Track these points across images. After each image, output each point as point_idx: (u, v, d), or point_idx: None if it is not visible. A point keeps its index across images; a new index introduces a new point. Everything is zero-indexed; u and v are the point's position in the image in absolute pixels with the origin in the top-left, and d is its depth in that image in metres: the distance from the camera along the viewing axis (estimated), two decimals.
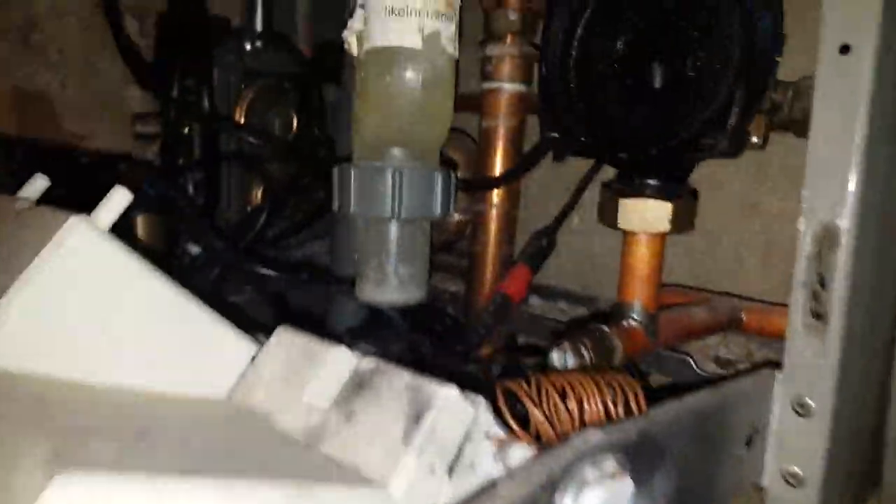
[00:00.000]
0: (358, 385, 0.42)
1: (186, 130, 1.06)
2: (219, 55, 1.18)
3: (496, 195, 1.17)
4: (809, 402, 0.75)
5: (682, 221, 0.82)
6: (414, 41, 0.73)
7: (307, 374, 0.44)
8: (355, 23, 0.76)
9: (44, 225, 0.44)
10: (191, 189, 1.06)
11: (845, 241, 0.76)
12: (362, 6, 0.75)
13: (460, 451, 0.38)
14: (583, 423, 0.54)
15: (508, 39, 1.14)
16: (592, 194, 0.97)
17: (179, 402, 0.45)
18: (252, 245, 1.09)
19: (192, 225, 0.96)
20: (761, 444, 0.76)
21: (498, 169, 1.17)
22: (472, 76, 1.25)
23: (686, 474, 0.59)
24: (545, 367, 0.76)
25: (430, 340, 0.91)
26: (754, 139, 0.79)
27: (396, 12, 0.72)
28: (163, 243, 0.98)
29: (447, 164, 0.84)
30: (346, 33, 0.76)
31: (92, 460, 0.29)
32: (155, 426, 0.40)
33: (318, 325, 1.06)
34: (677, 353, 1.03)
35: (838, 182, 0.75)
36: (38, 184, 0.59)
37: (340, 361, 0.44)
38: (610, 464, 0.44)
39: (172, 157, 1.06)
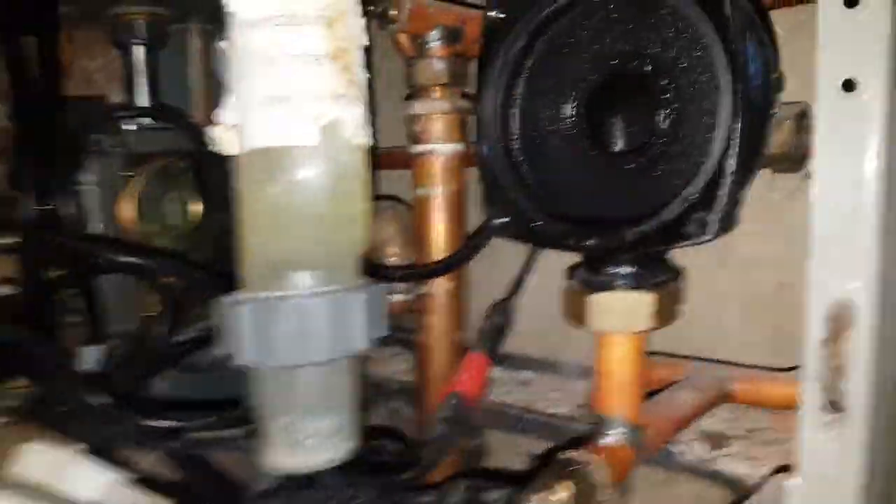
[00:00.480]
0: None
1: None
2: (94, 142, 0.99)
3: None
4: None
5: (668, 312, 0.67)
6: (307, 136, 0.56)
7: None
8: (226, 115, 0.58)
9: None
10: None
11: (864, 321, 0.62)
12: (233, 93, 0.58)
13: None
14: None
15: (436, 93, 0.98)
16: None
17: None
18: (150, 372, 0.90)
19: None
20: None
21: (439, 243, 1.00)
22: (401, 129, 1.09)
23: None
24: None
25: (365, 486, 0.72)
26: None
27: (280, 101, 0.55)
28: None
29: (372, 271, 0.67)
30: (215, 131, 0.58)
31: None
32: None
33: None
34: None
35: (853, 247, 0.61)
36: None
37: None
38: None
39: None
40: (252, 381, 0.63)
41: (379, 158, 1.31)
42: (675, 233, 0.59)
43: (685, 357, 1.01)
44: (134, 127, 1.05)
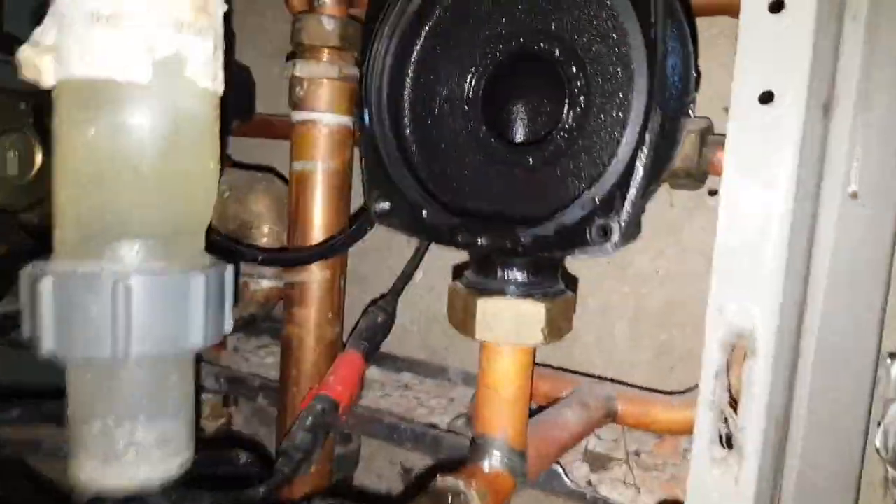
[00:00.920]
0: None
1: None
2: None
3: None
4: None
5: (559, 326, 0.60)
6: (137, 70, 0.44)
7: None
8: (43, 36, 0.45)
9: None
10: None
11: (764, 351, 0.58)
12: (54, 13, 0.45)
13: None
14: None
15: (325, 56, 0.86)
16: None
17: None
18: None
19: None
20: None
21: (317, 225, 0.89)
22: (280, 93, 0.96)
23: None
24: None
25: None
26: None
27: (106, 20, 0.43)
28: None
29: (227, 249, 0.56)
30: (24, 52, 0.45)
31: None
32: None
33: None
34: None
35: (758, 271, 0.57)
36: None
37: None
38: None
39: None
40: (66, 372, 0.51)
41: (255, 125, 1.19)
42: (575, 239, 0.52)
43: (568, 371, 0.96)
44: None
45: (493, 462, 0.61)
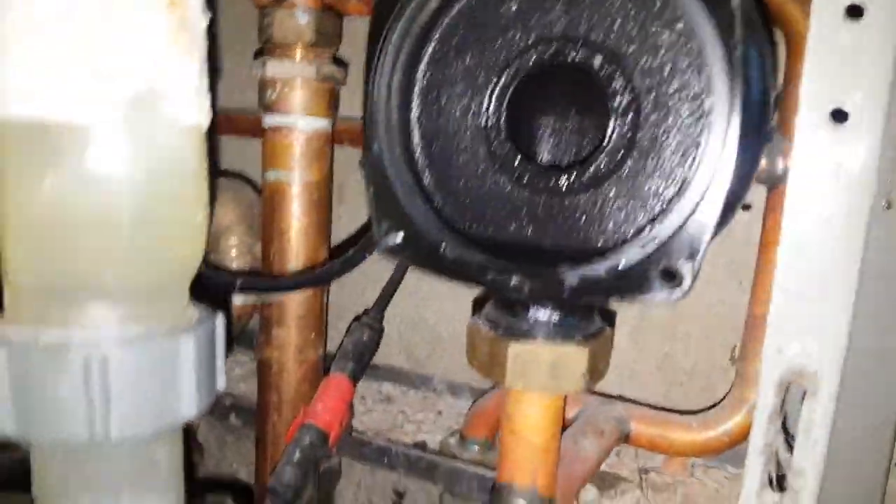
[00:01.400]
0: None
1: None
2: None
3: None
4: None
5: (600, 369, 0.54)
6: (102, 111, 0.34)
7: None
8: None
9: None
10: None
11: (826, 391, 0.53)
12: None
13: None
14: None
15: (299, 53, 0.76)
16: None
17: None
18: None
19: None
20: None
21: (294, 244, 0.79)
22: (248, 86, 0.86)
23: None
24: None
25: None
26: None
27: (60, 46, 0.33)
28: None
29: (206, 277, 0.47)
30: None
31: None
32: None
33: None
34: None
35: (822, 304, 0.52)
36: None
37: None
38: None
39: None
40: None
41: (219, 122, 1.07)
42: (633, 284, 0.45)
43: None
44: None
45: None
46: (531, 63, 0.52)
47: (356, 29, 0.84)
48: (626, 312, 0.89)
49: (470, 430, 0.83)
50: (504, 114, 0.53)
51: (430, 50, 0.54)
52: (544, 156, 0.57)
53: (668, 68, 0.48)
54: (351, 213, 1.05)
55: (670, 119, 0.48)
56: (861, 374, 0.56)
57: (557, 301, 0.50)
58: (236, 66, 1.01)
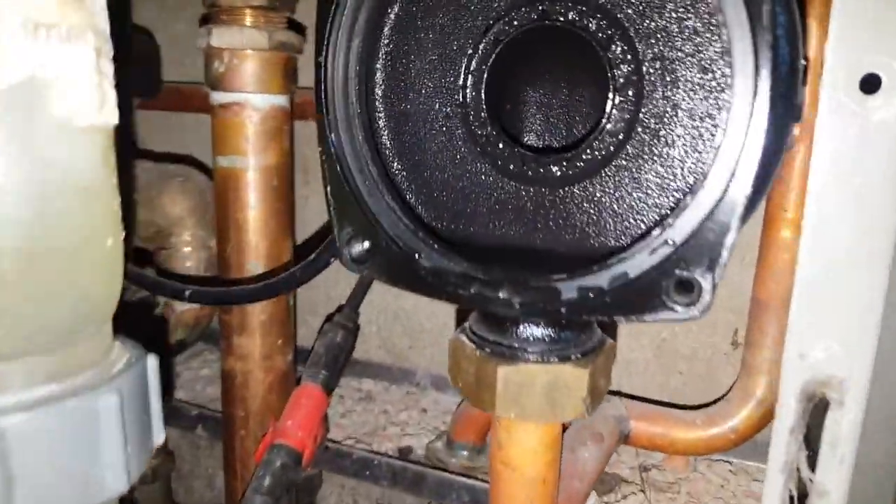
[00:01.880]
0: None
1: None
2: None
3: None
4: None
5: (601, 389, 0.46)
6: None
7: None
8: None
9: None
10: None
11: (853, 400, 0.47)
12: None
13: None
14: None
15: (249, 19, 0.66)
16: None
17: None
18: None
19: None
20: None
21: (252, 237, 0.71)
22: (191, 55, 0.76)
23: None
24: None
25: None
26: None
27: None
28: None
29: (135, 279, 0.38)
30: None
31: None
32: None
33: None
34: None
35: (848, 305, 0.45)
36: None
37: None
38: None
39: None
40: None
41: (167, 97, 0.97)
42: (643, 298, 0.38)
43: None
44: None
45: None
46: (514, 27, 0.44)
47: None
48: None
49: (458, 434, 0.76)
50: (484, 88, 0.45)
51: (395, 12, 0.45)
52: (532, 138, 0.49)
53: (677, 29, 0.39)
54: (319, 195, 0.96)
55: (681, 93, 0.40)
56: (891, 381, 0.49)
57: (553, 318, 0.42)
58: (187, 33, 0.91)
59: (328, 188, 0.44)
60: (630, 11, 0.41)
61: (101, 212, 0.32)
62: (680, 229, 0.37)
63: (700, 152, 0.39)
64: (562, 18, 0.43)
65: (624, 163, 0.42)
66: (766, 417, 0.67)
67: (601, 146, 0.42)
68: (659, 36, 0.40)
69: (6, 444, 0.32)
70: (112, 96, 0.31)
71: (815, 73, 0.46)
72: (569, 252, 0.42)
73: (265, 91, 0.68)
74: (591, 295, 0.39)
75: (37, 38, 0.27)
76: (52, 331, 0.32)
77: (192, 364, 1.04)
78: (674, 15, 0.40)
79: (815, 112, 0.44)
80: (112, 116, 0.31)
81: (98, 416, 0.34)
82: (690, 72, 0.39)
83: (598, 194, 0.43)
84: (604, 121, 0.42)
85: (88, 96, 0.29)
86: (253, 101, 0.68)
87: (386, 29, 0.45)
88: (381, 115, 0.45)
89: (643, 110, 0.41)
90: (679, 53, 0.40)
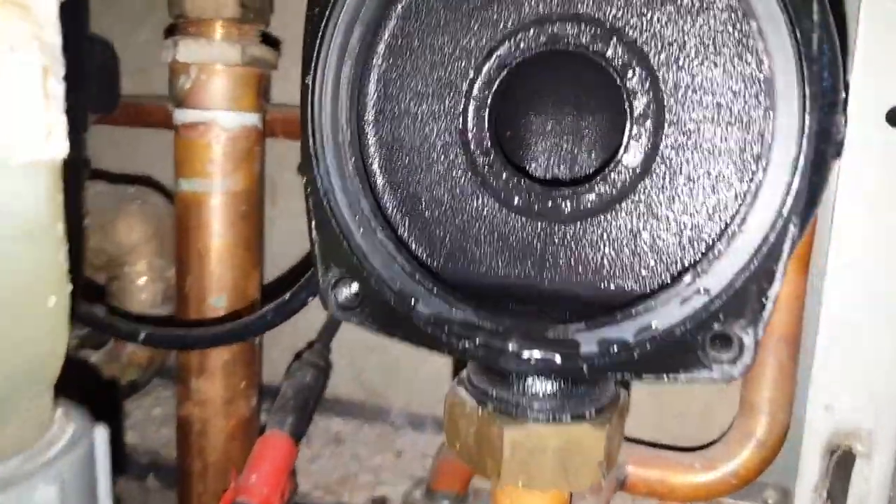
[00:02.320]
0: None
1: None
2: None
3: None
4: None
5: (616, 450, 0.42)
6: None
7: None
8: None
9: None
10: None
11: (883, 454, 0.43)
12: None
13: None
14: None
15: (219, 32, 0.61)
16: None
17: None
18: None
19: None
20: None
21: (216, 269, 0.65)
22: (152, 67, 0.70)
23: None
24: None
25: None
26: None
27: None
28: None
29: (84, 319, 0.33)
30: None
31: None
32: None
33: None
34: None
35: (874, 353, 0.42)
36: None
37: None
38: None
39: None
40: None
41: (126, 112, 0.90)
42: (676, 356, 0.33)
43: None
44: None
45: None
46: (520, 51, 0.39)
47: None
48: None
49: (439, 482, 0.70)
50: (487, 114, 0.40)
51: (390, 31, 0.41)
52: (536, 167, 0.45)
53: (704, 54, 0.36)
54: (288, 216, 0.90)
55: (708, 125, 0.36)
56: None
57: (571, 376, 0.38)
58: (150, 42, 0.84)
59: (312, 224, 0.39)
60: (650, 34, 0.37)
61: (44, 262, 0.26)
62: (715, 277, 0.33)
63: (735, 191, 0.35)
64: (574, 42, 0.39)
65: (643, 198, 0.38)
66: (768, 459, 0.63)
67: (617, 179, 0.38)
68: (683, 61, 0.37)
69: None
70: (61, 124, 0.26)
71: None
72: (583, 295, 0.38)
73: (236, 109, 0.63)
74: (615, 349, 0.35)
75: None
76: None
77: (143, 402, 0.96)
78: (701, 38, 0.36)
79: None
80: (60, 148, 0.26)
81: None
82: (720, 102, 0.36)
83: (613, 231, 0.38)
84: (620, 151, 0.38)
85: (32, 126, 0.23)
86: (222, 119, 0.62)
87: (380, 49, 0.41)
88: (373, 142, 0.40)
89: (664, 143, 0.37)
90: (706, 81, 0.36)
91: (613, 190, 0.39)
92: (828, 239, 0.45)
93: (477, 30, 0.40)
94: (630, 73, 0.38)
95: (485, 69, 0.40)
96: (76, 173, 0.72)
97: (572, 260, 0.39)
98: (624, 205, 0.39)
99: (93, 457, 0.31)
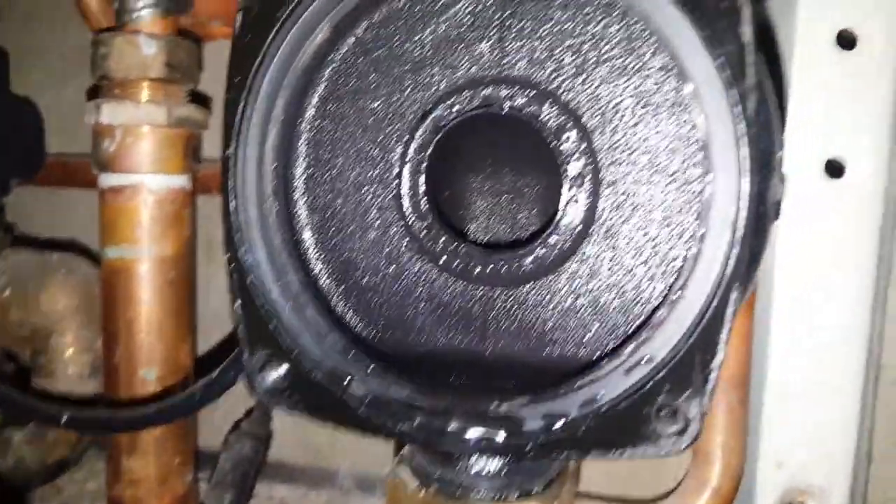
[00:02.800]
0: None
1: None
2: None
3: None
4: None
5: None
6: None
7: None
8: None
9: None
10: None
11: None
12: None
13: None
14: None
15: (145, 92, 0.59)
16: None
17: None
18: None
19: None
20: None
21: (141, 338, 0.61)
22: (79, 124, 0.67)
23: None
24: None
25: None
26: None
27: None
28: None
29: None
30: None
31: None
32: None
33: None
34: None
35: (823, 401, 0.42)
36: None
37: None
38: None
39: None
40: None
41: (51, 171, 0.86)
42: (623, 430, 0.32)
43: None
44: None
45: None
46: (454, 113, 0.39)
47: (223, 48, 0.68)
48: None
49: None
50: (423, 177, 0.39)
51: (318, 95, 0.39)
52: (475, 228, 0.44)
53: (640, 116, 0.35)
54: (225, 274, 0.87)
55: (645, 187, 0.35)
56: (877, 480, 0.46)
57: (515, 455, 0.36)
58: (76, 99, 0.81)
59: (236, 303, 0.36)
60: (584, 96, 0.37)
61: None
62: (659, 344, 0.32)
63: (675, 253, 0.34)
64: (507, 104, 0.38)
65: (583, 260, 0.37)
66: None
67: (556, 242, 0.37)
68: (617, 123, 0.36)
69: None
70: None
71: None
72: (528, 363, 0.36)
73: (163, 171, 0.60)
74: (559, 425, 0.33)
75: None
76: None
77: (75, 475, 0.89)
78: (636, 99, 0.36)
79: None
80: None
81: None
82: (656, 163, 0.35)
83: (555, 295, 0.37)
84: (558, 215, 0.37)
85: None
86: (149, 183, 0.59)
87: (309, 113, 0.39)
88: (304, 210, 0.39)
89: (602, 204, 0.37)
90: (642, 142, 0.36)
91: (553, 252, 0.38)
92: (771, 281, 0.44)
93: (410, 93, 0.39)
94: (565, 136, 0.37)
95: (419, 132, 0.39)
96: None
97: (515, 326, 0.38)
98: (565, 267, 0.38)
99: None
